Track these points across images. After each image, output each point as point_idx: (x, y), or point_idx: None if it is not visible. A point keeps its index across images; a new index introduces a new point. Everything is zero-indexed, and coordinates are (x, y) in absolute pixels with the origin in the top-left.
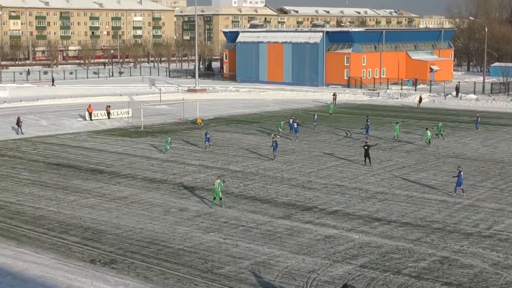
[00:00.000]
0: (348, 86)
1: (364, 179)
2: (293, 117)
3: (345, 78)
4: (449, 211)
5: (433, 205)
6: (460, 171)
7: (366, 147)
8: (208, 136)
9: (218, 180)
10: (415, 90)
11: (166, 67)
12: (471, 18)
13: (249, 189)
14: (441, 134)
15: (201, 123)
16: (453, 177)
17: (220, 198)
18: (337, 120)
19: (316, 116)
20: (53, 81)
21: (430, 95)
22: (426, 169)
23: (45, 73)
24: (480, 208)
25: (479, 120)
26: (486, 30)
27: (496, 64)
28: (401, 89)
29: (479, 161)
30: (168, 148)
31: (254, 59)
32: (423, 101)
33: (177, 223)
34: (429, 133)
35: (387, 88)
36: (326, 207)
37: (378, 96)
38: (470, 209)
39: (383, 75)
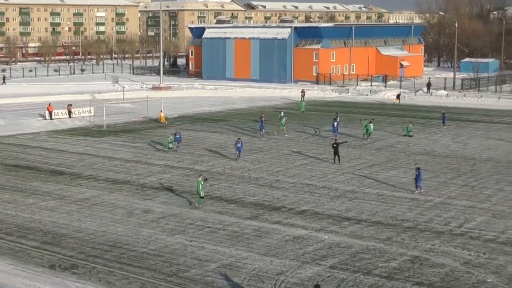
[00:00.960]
0: (317, 82)
1: (333, 177)
2: (262, 115)
3: (314, 74)
4: (420, 209)
5: (404, 203)
6: (418, 168)
7: (335, 145)
8: (178, 136)
9: (200, 178)
10: (385, 86)
11: (130, 64)
12: (441, 13)
13: (216, 189)
14: (410, 135)
15: (165, 122)
16: (415, 178)
17: (202, 197)
18: (306, 117)
19: (282, 114)
20: (4, 79)
21: (400, 91)
22: (396, 167)
23: (3, 70)
24: (451, 206)
25: (446, 116)
26: (456, 25)
27: (467, 59)
28: (371, 85)
29: (450, 158)
30: (171, 146)
31: (221, 56)
32: (401, 97)
33: (141, 225)
34: (410, 125)
35: (357, 85)
36: (294, 207)
37: (348, 93)
38: (441, 207)
39: (353, 71)
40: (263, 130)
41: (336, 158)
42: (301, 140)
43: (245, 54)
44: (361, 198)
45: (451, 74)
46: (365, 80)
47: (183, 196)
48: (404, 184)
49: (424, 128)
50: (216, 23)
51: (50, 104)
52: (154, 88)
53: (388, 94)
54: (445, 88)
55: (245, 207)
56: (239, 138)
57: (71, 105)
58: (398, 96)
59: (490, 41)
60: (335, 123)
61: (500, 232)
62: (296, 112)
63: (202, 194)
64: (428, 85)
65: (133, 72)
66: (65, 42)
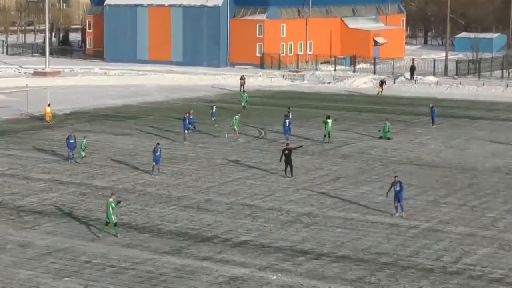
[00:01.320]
0: (262, 66)
1: (284, 195)
2: (190, 111)
3: (258, 55)
4: (401, 238)
5: (380, 230)
6: (399, 182)
7: (287, 152)
8: (72, 141)
9: (111, 199)
10: (354, 71)
11: (3, 41)
12: None
13: (122, 213)
14: (388, 137)
15: (51, 120)
16: (386, 194)
17: (115, 224)
18: (246, 114)
19: (214, 109)
20: None
21: (374, 78)
22: (369, 181)
23: None
24: (444, 234)
25: (435, 111)
26: None
27: (463, 34)
28: (335, 70)
29: (442, 168)
30: (83, 155)
31: (130, 30)
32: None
33: (17, 265)
34: (388, 124)
35: (316, 69)
36: (231, 237)
37: (303, 80)
38: (431, 236)
39: (310, 50)
40: (187, 131)
41: (288, 168)
42: (240, 144)
43: (163, 28)
44: (322, 224)
45: (442, 55)
46: (327, 62)
47: (77, 222)
48: (381, 204)
49: (407, 127)
50: None
51: None
52: (37, 73)
53: (357, 82)
54: (434, 74)
55: (163, 237)
56: (158, 144)
57: None
58: (381, 84)
59: (493, 10)
60: (287, 122)
61: (510, 270)
62: (233, 107)
63: (114, 220)
64: (412, 69)
65: (6, 51)
66: None
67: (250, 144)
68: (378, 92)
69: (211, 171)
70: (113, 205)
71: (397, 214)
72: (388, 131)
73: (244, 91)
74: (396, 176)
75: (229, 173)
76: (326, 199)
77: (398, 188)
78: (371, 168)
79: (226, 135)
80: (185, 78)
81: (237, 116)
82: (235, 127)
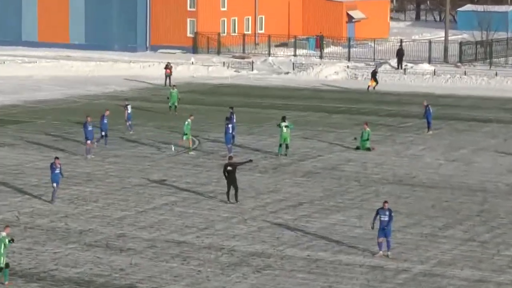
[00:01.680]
0: (195, 51)
1: (226, 228)
2: (105, 113)
3: (189, 35)
4: (387, 286)
5: (358, 275)
6: (388, 210)
7: (230, 168)
8: None
9: (4, 233)
10: (321, 57)
11: None
12: None
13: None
14: (367, 148)
15: None
16: (372, 224)
17: (4, 268)
18: (173, 117)
19: (129, 110)
20: None
21: (348, 67)
22: (342, 208)
23: None
24: (445, 279)
25: (431, 112)
26: None
27: (468, 7)
28: (295, 55)
29: (441, 189)
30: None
31: (12, 2)
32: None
33: None
34: (367, 130)
35: (269, 54)
36: (153, 286)
37: (252, 70)
38: (427, 282)
39: (261, 29)
40: (90, 141)
41: (232, 191)
42: (166, 158)
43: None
44: (278, 268)
45: (441, 35)
46: (284, 45)
47: None
48: (358, 240)
49: (393, 134)
50: None
51: None
52: None
53: (326, 72)
54: (430, 61)
55: (59, 287)
56: (56, 158)
57: None
58: (374, 75)
59: None
60: (230, 127)
61: None
62: (157, 107)
63: (2, 263)
64: (400, 54)
65: None
66: None
67: (179, 157)
68: (369, 87)
69: (125, 195)
70: (6, 241)
71: (381, 252)
72: (367, 139)
73: (173, 85)
74: (386, 202)
75: (150, 197)
76: (284, 232)
77: (386, 218)
78: (344, 190)
79: (173, 149)
80: (88, 67)
81: (189, 120)
82: (185, 137)
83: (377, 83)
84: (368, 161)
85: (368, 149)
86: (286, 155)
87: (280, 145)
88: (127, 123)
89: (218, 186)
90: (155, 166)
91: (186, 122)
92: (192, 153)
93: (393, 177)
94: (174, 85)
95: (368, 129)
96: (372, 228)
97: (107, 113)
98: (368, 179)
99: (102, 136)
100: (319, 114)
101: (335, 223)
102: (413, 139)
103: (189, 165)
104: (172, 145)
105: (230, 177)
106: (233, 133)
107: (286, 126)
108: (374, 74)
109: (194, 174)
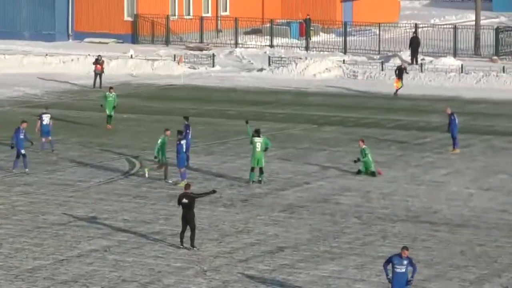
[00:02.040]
0: (135, 40)
1: (178, 283)
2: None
3: (126, 19)
4: None
5: None
6: (408, 259)
7: (185, 200)
8: None
9: None
10: (307, 48)
11: None
12: None
13: None
14: (371, 172)
15: None
16: (388, 277)
17: None
18: (109, 130)
19: (46, 121)
20: None
21: (344, 62)
22: (337, 254)
23: None
24: None
25: (457, 123)
26: None
27: None
28: (271, 45)
29: (473, 229)
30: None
31: None
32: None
33: None
34: (363, 147)
35: (236, 45)
36: None
37: (213, 66)
38: None
39: (225, 10)
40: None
41: (188, 231)
42: (95, 187)
43: None
44: None
45: (469, 18)
46: (257, 32)
47: None
48: None
49: (407, 153)
50: None
51: None
52: None
53: (314, 69)
54: (455, 54)
55: None
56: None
57: None
58: (400, 73)
59: None
60: (183, 144)
61: None
62: (85, 117)
63: None
64: (414, 44)
65: None
66: None
67: (113, 184)
68: (397, 90)
69: (39, 238)
70: None
71: None
72: (366, 157)
73: (110, 87)
74: (405, 249)
75: (75, 241)
76: None
77: (403, 270)
78: (340, 230)
79: (147, 174)
80: None
81: (164, 137)
82: (162, 160)
83: (402, 84)
84: (372, 190)
85: (373, 173)
86: (260, 182)
87: (252, 169)
88: (43, 139)
89: (168, 225)
90: (81, 198)
91: (160, 140)
92: (147, 175)
93: (406, 212)
94: (111, 87)
95: (363, 146)
96: (388, 280)
97: (24, 125)
98: (373, 215)
99: (18, 156)
100: (305, 126)
101: (328, 276)
102: (434, 160)
103: (127, 197)
104: (145, 169)
105: (186, 212)
106: (187, 153)
107: (260, 143)
108: (401, 72)
109: (134, 208)
